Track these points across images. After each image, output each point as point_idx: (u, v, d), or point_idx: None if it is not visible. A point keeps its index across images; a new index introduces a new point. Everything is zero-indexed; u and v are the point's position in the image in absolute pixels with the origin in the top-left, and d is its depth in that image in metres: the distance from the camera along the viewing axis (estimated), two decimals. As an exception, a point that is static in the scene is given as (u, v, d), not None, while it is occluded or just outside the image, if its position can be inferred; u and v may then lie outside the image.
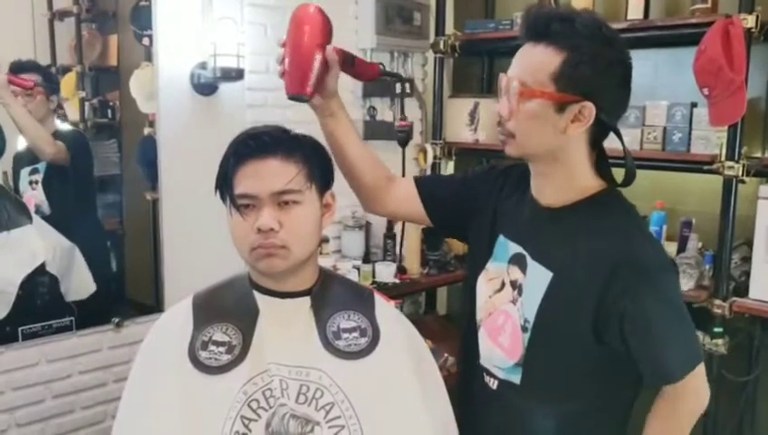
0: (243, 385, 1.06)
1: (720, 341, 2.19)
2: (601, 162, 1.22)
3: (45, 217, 2.06)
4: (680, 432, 1.21)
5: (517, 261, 1.24)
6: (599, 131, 1.17)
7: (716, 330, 2.20)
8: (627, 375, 1.19)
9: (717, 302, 2.19)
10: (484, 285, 1.29)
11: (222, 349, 1.10)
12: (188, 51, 2.18)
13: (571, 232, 1.17)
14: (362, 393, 1.09)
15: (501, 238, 1.28)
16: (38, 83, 1.98)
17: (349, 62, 1.30)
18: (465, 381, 1.36)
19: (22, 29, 1.97)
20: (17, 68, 1.95)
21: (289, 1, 2.44)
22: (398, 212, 1.49)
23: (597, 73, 1.10)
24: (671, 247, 2.47)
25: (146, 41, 2.14)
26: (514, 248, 1.25)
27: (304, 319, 1.15)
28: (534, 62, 1.13)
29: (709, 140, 2.24)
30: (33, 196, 2.03)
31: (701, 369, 1.17)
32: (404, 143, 1.58)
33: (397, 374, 1.15)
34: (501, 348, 1.24)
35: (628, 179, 1.19)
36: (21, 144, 2.01)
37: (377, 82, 2.75)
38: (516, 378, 1.21)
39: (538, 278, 1.18)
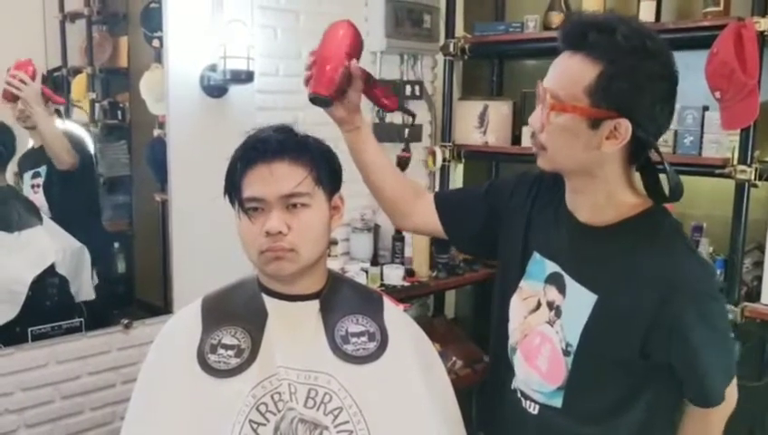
0: (251, 389, 1.06)
1: (731, 346, 2.17)
2: (648, 176, 1.17)
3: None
4: None
5: (555, 281, 1.19)
6: (637, 147, 1.11)
7: (728, 335, 2.18)
8: (673, 383, 1.16)
9: (729, 307, 2.16)
10: (519, 305, 1.24)
11: (231, 352, 1.10)
12: (198, 53, 2.19)
13: (616, 254, 1.13)
14: (370, 398, 1.09)
15: (536, 256, 1.23)
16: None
17: (370, 83, 1.32)
18: (498, 405, 1.31)
19: (33, 31, 1.98)
20: None
21: (299, 4, 2.46)
22: (423, 229, 1.48)
23: (635, 88, 1.04)
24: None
25: (156, 43, 2.15)
26: (552, 267, 1.20)
27: (313, 322, 1.15)
28: (569, 74, 1.07)
29: (721, 143, 2.22)
30: (35, 199, 2.04)
31: (734, 379, 1.18)
32: (403, 168, 1.65)
33: (405, 379, 1.14)
34: (538, 372, 1.19)
35: (674, 196, 1.13)
36: (25, 147, 2.03)
37: (386, 85, 2.77)
38: (558, 402, 1.17)
39: (580, 300, 1.13)
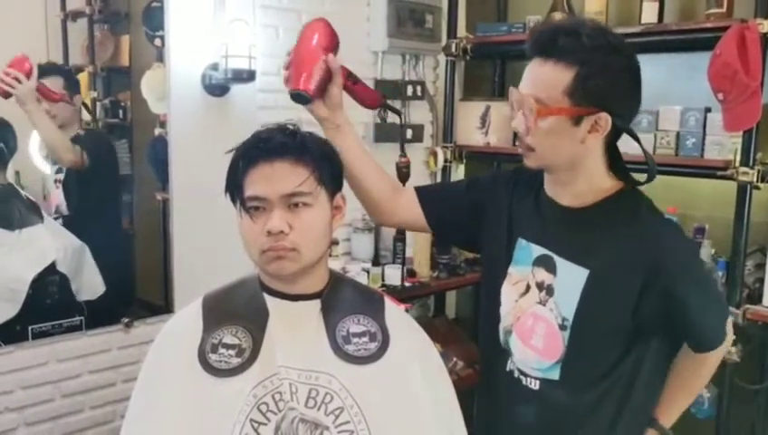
0: (252, 388, 1.06)
1: (733, 349, 2.16)
2: (616, 162, 1.27)
3: (64, 217, 2.08)
4: (708, 377, 1.36)
5: (543, 262, 1.27)
6: (613, 134, 1.22)
7: (729, 337, 2.17)
8: (659, 335, 1.26)
9: (730, 309, 2.16)
10: (509, 290, 1.32)
11: (232, 352, 1.09)
12: (200, 52, 2.19)
13: (601, 230, 1.23)
14: (371, 398, 1.08)
15: (521, 241, 1.31)
16: (61, 92, 2.00)
17: (351, 80, 1.34)
18: (494, 388, 1.37)
19: (35, 29, 1.98)
20: (40, 71, 1.97)
21: (301, 3, 2.46)
22: (405, 223, 1.54)
23: (608, 83, 1.15)
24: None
25: (158, 41, 2.15)
26: (538, 250, 1.28)
27: (314, 322, 1.14)
28: (547, 80, 1.16)
29: (723, 145, 2.21)
30: (56, 195, 2.06)
31: (729, 320, 1.31)
32: (404, 179, 1.63)
33: (406, 380, 1.14)
34: (535, 350, 1.27)
35: (651, 177, 1.24)
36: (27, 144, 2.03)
37: (387, 84, 2.77)
38: (555, 374, 1.26)
39: (572, 277, 1.22)
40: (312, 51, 1.27)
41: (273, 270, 1.11)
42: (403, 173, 1.65)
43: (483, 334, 1.41)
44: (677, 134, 2.31)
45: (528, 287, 1.29)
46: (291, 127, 1.15)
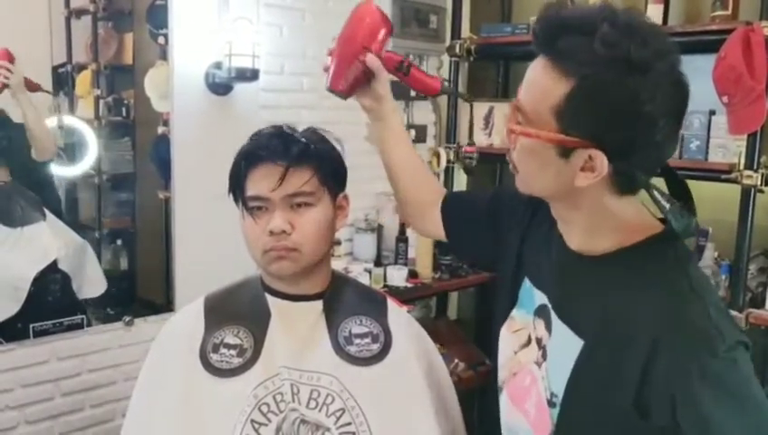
0: (253, 389, 1.06)
1: (735, 352, 2.15)
2: (671, 183, 0.95)
3: None
4: None
5: (542, 314, 1.00)
6: (625, 179, 0.87)
7: (732, 341, 2.16)
8: None
9: (734, 313, 2.16)
10: (509, 338, 1.06)
11: (233, 352, 1.09)
12: (204, 50, 2.18)
13: (606, 291, 0.90)
14: (373, 400, 1.08)
15: (526, 283, 1.05)
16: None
17: (403, 70, 1.26)
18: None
19: (39, 26, 1.98)
20: None
21: (305, 2, 2.45)
22: (431, 235, 1.35)
23: (613, 112, 0.81)
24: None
25: (161, 40, 2.15)
26: (540, 298, 1.01)
27: (316, 323, 1.14)
28: (537, 87, 0.86)
29: (728, 148, 2.21)
30: None
31: None
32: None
33: (408, 381, 1.14)
34: (527, 417, 1.00)
35: (685, 233, 0.89)
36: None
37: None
38: None
39: (565, 344, 0.93)
40: (352, 49, 1.19)
41: (275, 270, 1.11)
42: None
43: (491, 382, 1.14)
44: (681, 137, 2.29)
45: (529, 339, 1.02)
46: (293, 128, 1.15)
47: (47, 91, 2.02)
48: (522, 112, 0.87)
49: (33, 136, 1.97)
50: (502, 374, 1.06)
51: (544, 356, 0.98)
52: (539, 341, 1.00)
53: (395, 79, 1.27)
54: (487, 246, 1.17)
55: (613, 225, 0.91)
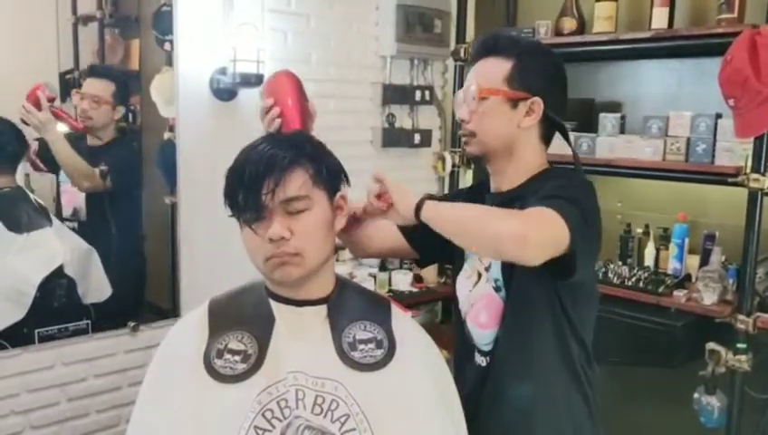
0: (257, 395, 1.05)
1: (743, 357, 2.14)
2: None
3: (80, 223, 2.09)
4: (489, 221, 1.18)
5: None
6: (548, 128, 1.35)
7: (740, 346, 2.15)
8: (583, 298, 1.31)
9: (741, 317, 2.15)
10: (464, 282, 1.41)
11: (237, 357, 1.09)
12: (209, 56, 2.19)
13: (519, 200, 1.26)
14: (377, 406, 1.07)
15: None
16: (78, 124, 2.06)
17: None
18: (464, 382, 1.36)
19: (46, 33, 1.99)
20: (92, 72, 2.07)
21: (310, 7, 2.46)
22: (382, 251, 1.57)
23: (541, 74, 1.31)
24: (694, 261, 2.43)
25: (167, 46, 2.16)
26: None
27: (320, 328, 1.14)
28: (489, 71, 1.32)
29: (734, 151, 2.20)
30: (72, 196, 2.08)
31: (561, 221, 1.13)
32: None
33: (412, 387, 1.13)
34: (482, 326, 1.36)
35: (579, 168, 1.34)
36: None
37: (396, 89, 2.77)
38: (493, 343, 1.33)
39: None
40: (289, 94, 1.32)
41: (279, 276, 1.11)
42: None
43: (456, 332, 1.46)
44: (688, 140, 2.29)
45: (479, 275, 1.36)
46: (281, 134, 1.15)
47: (115, 99, 2.11)
48: (481, 87, 1.31)
49: (68, 173, 2.03)
50: (463, 309, 1.41)
51: (488, 269, 1.34)
52: (487, 268, 1.35)
53: None
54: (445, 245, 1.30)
55: (531, 167, 1.34)
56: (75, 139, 2.07)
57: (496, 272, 1.32)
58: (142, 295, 2.26)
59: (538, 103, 1.29)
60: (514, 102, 1.30)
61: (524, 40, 1.44)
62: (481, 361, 1.37)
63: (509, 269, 1.28)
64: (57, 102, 1.98)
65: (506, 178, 1.35)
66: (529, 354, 1.30)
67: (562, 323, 1.28)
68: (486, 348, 1.35)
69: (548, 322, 1.28)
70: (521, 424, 1.32)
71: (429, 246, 1.42)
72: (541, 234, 1.12)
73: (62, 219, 2.08)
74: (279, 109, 1.29)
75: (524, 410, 1.30)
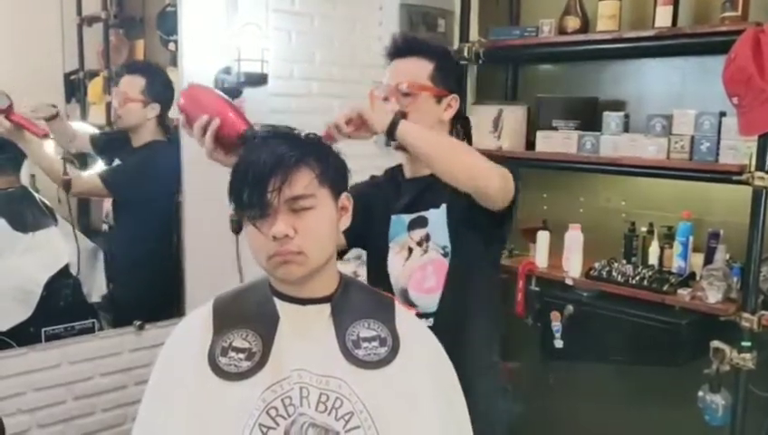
0: (262, 392, 1.06)
1: (748, 355, 2.14)
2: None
3: (110, 228, 2.14)
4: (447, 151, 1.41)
5: (417, 223, 1.54)
6: (456, 122, 1.59)
7: (744, 344, 2.15)
8: (498, 259, 1.67)
9: (746, 315, 2.14)
10: (395, 259, 1.56)
11: (242, 355, 1.09)
12: (213, 56, 2.20)
13: (435, 185, 1.45)
14: (381, 404, 1.08)
15: (393, 218, 1.56)
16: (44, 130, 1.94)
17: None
18: None
19: (51, 34, 2.00)
20: (126, 69, 2.11)
21: (313, 7, 2.46)
22: None
23: (455, 75, 1.59)
24: (698, 259, 2.42)
25: (171, 46, 2.17)
26: (408, 217, 1.55)
27: (324, 326, 1.14)
28: (413, 69, 1.52)
29: (738, 149, 2.19)
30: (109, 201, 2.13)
31: (498, 168, 1.41)
32: None
33: (416, 385, 1.13)
34: (429, 291, 1.51)
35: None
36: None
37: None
38: (438, 305, 1.50)
39: (438, 217, 1.52)
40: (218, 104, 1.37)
41: (282, 275, 1.11)
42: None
43: None
44: (692, 138, 2.28)
45: (410, 250, 1.54)
46: (290, 128, 1.15)
47: (146, 96, 2.11)
48: (411, 84, 1.50)
49: (42, 170, 1.99)
50: (400, 283, 1.54)
51: (427, 240, 1.52)
52: (419, 242, 1.53)
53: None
54: (363, 226, 1.42)
55: None
56: (116, 140, 2.09)
57: (444, 239, 1.51)
58: (151, 294, 2.26)
59: (456, 100, 1.55)
60: (439, 99, 1.53)
61: (436, 43, 1.65)
62: (428, 322, 1.48)
63: (454, 234, 1.50)
64: (49, 108, 1.94)
65: (424, 164, 1.48)
66: (469, 307, 1.52)
67: (493, 278, 1.60)
68: (432, 310, 1.51)
69: (484, 277, 1.55)
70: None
71: (354, 231, 1.39)
72: (505, 180, 1.40)
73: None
74: (219, 119, 1.32)
75: (459, 355, 1.30)
